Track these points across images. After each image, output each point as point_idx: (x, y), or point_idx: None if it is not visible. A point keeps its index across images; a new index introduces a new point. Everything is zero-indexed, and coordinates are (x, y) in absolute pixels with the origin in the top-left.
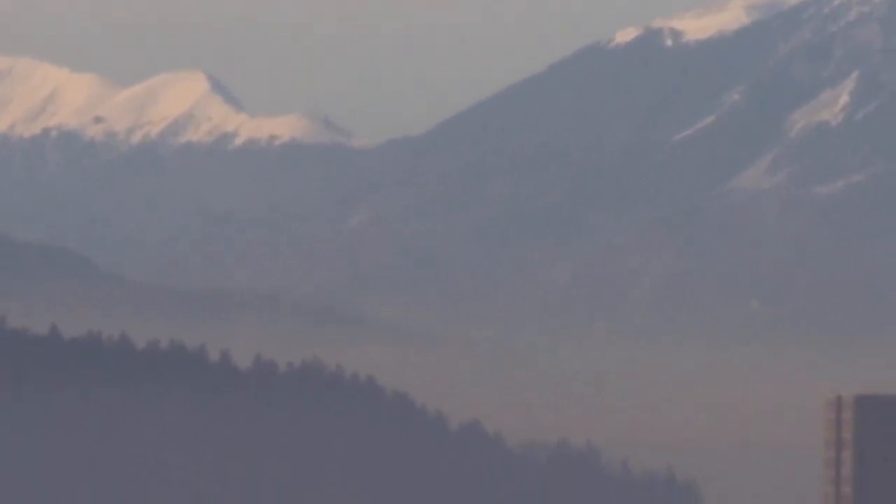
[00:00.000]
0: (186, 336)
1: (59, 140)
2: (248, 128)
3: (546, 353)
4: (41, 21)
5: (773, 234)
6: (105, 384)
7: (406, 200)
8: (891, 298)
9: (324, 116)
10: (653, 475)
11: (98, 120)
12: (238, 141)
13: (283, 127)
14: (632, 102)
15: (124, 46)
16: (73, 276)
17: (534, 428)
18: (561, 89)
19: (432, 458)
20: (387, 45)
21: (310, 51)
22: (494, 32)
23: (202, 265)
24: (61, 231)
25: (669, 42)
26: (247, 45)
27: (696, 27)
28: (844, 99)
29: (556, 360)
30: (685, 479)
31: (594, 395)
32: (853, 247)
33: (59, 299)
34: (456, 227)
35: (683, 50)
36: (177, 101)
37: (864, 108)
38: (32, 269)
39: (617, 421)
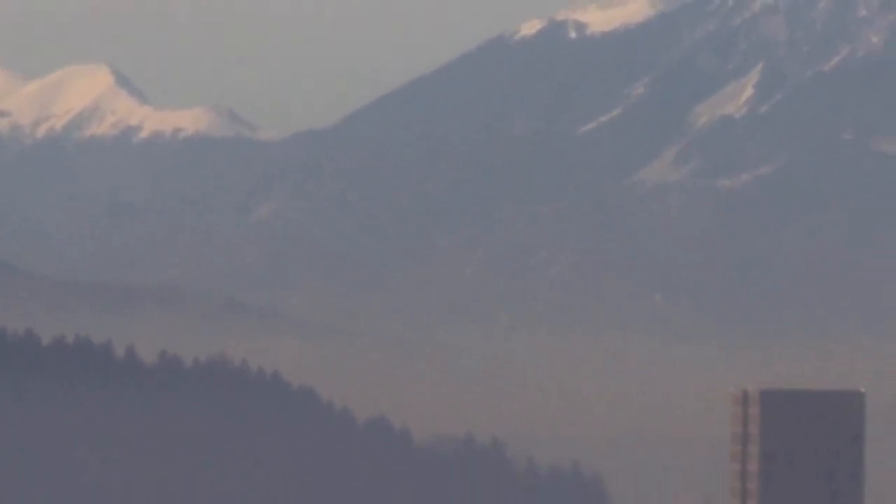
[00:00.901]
0: (92, 331)
1: None
2: (152, 121)
3: (453, 346)
4: None
5: (677, 227)
6: (9, 379)
7: (312, 193)
8: (795, 292)
9: (229, 109)
10: (558, 470)
11: (3, 114)
12: (143, 134)
13: (188, 120)
14: (537, 95)
15: (29, 39)
16: None
17: (440, 423)
18: (466, 81)
19: (339, 454)
20: (292, 37)
21: (215, 44)
22: (400, 25)
23: (108, 259)
24: None
25: (574, 34)
26: (151, 39)
27: (600, 19)
28: (749, 91)
29: (463, 354)
30: (591, 474)
31: (500, 389)
32: (757, 240)
33: None
34: (362, 221)
35: (588, 42)
36: (82, 94)
37: (769, 100)
38: None
39: (523, 415)
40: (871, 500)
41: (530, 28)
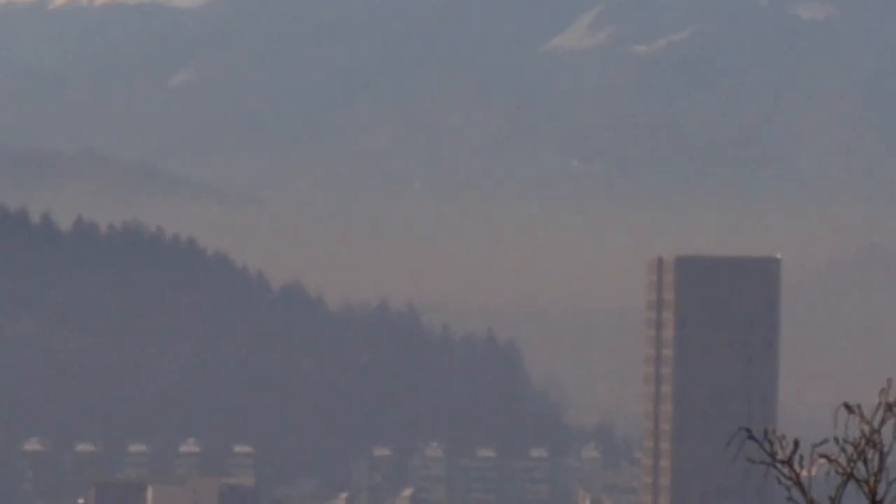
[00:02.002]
0: (8, 198)
1: None
2: None
3: (368, 214)
4: None
5: (593, 93)
6: None
7: (230, 60)
8: (711, 158)
9: None
10: (473, 337)
11: None
12: (59, 0)
13: None
14: None
15: None
16: None
17: (355, 289)
18: None
19: (253, 319)
20: None
21: None
22: None
23: (24, 125)
24: None
25: None
26: None
27: None
28: None
29: (379, 221)
30: (505, 341)
31: (415, 257)
32: (674, 106)
33: None
34: (279, 88)
35: None
36: None
37: None
38: None
39: (438, 283)
40: (785, 365)
41: None
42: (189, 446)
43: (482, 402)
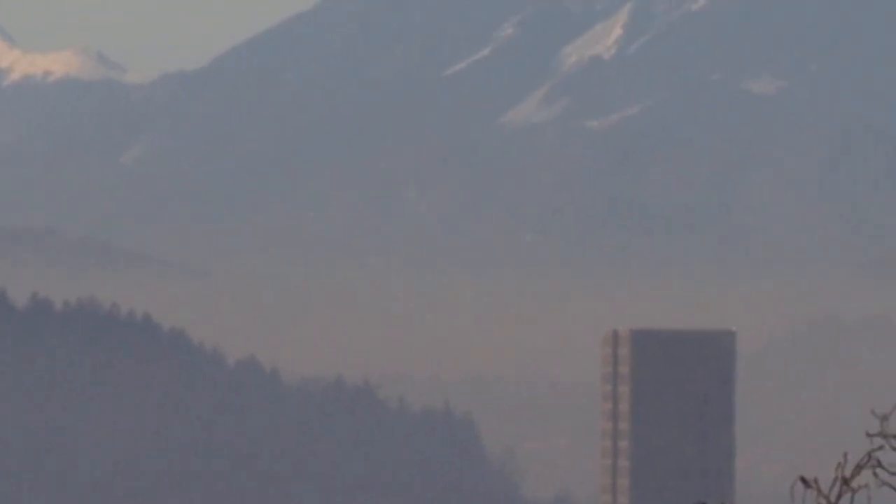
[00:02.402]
0: None
1: None
2: (21, 63)
3: (323, 287)
4: None
5: (547, 167)
6: None
7: (181, 135)
8: (665, 233)
9: (97, 52)
10: (430, 410)
11: None
12: (13, 77)
13: (57, 63)
14: (403, 35)
15: None
16: None
17: (311, 363)
18: (334, 23)
19: (209, 395)
20: None
21: None
22: None
23: None
24: None
25: None
26: None
27: None
28: (617, 32)
29: (333, 295)
30: (462, 414)
31: (371, 329)
32: (627, 181)
33: None
34: (232, 163)
35: None
36: None
37: (637, 41)
38: None
39: (394, 356)
40: (741, 439)
41: None
42: None
43: (439, 474)
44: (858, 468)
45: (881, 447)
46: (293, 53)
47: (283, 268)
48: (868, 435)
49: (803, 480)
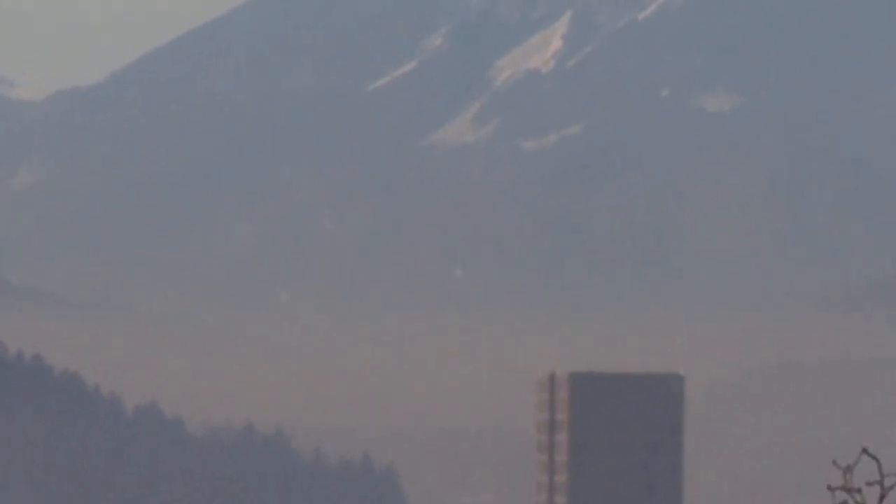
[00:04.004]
0: None
1: None
2: None
3: (230, 326)
4: None
5: (478, 192)
6: None
7: (75, 158)
8: (608, 264)
9: None
10: (348, 462)
11: None
12: None
13: None
14: (321, 47)
15: None
16: None
17: (217, 410)
18: (242, 32)
19: (107, 443)
20: None
21: None
22: None
23: None
24: None
25: None
26: None
27: None
28: (556, 43)
29: (241, 334)
30: (383, 466)
31: (282, 374)
32: (567, 207)
33: None
34: (130, 187)
35: None
36: None
37: (578, 53)
38: None
39: (308, 403)
40: (690, 492)
41: None
42: None
43: None
44: None
45: (844, 502)
46: (198, 67)
47: (186, 304)
48: (830, 489)
49: None
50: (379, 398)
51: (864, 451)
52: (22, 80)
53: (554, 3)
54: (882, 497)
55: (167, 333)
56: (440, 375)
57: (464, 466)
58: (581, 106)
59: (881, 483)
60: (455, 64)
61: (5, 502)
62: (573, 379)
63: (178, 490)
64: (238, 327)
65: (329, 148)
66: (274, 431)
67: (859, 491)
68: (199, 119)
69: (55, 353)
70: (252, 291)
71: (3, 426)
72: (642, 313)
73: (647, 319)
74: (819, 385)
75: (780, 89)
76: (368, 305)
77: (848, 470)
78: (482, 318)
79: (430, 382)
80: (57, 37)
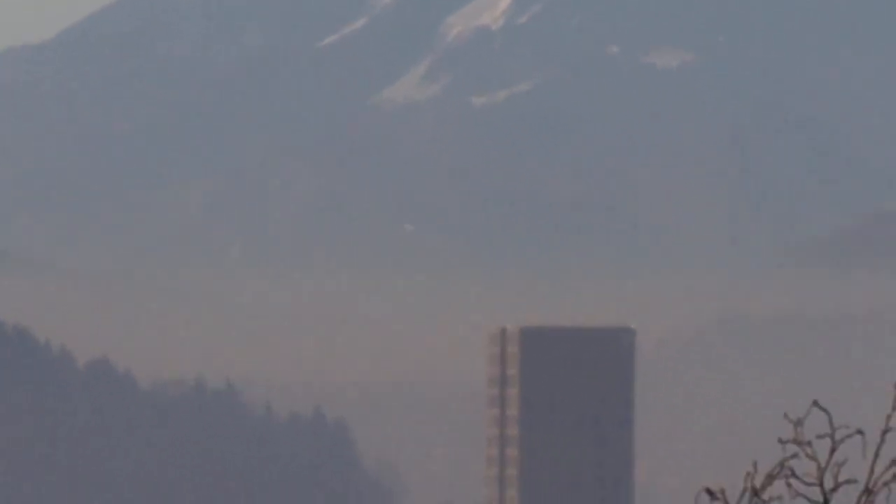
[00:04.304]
0: None
1: None
2: None
3: (179, 282)
4: None
5: (428, 150)
6: None
7: (24, 116)
8: (558, 221)
9: None
10: (299, 416)
11: None
12: None
13: None
14: (270, 4)
15: None
16: None
17: (168, 365)
18: None
19: (58, 398)
20: None
21: None
22: None
23: None
24: None
25: None
26: None
27: None
28: (506, 1)
29: (191, 290)
30: (335, 420)
31: (232, 329)
32: (517, 164)
33: None
34: (80, 145)
35: None
36: None
37: (528, 9)
38: None
39: (258, 358)
40: (641, 446)
41: None
42: None
43: (310, 487)
44: (770, 478)
45: (795, 455)
46: (148, 25)
47: (136, 260)
48: (781, 442)
49: (709, 492)
50: (330, 353)
51: (815, 403)
52: None
53: None
54: (833, 450)
55: (118, 290)
56: (392, 330)
57: (416, 420)
58: (531, 63)
59: (832, 436)
60: (405, 21)
61: None
62: (524, 333)
63: (129, 445)
64: (189, 284)
65: (279, 105)
66: (224, 386)
67: (810, 444)
68: (150, 77)
69: (6, 309)
70: (203, 249)
71: None
72: (593, 268)
73: (599, 274)
74: (769, 339)
75: (730, 45)
76: (319, 261)
77: (799, 423)
78: (433, 274)
79: (381, 337)
80: None
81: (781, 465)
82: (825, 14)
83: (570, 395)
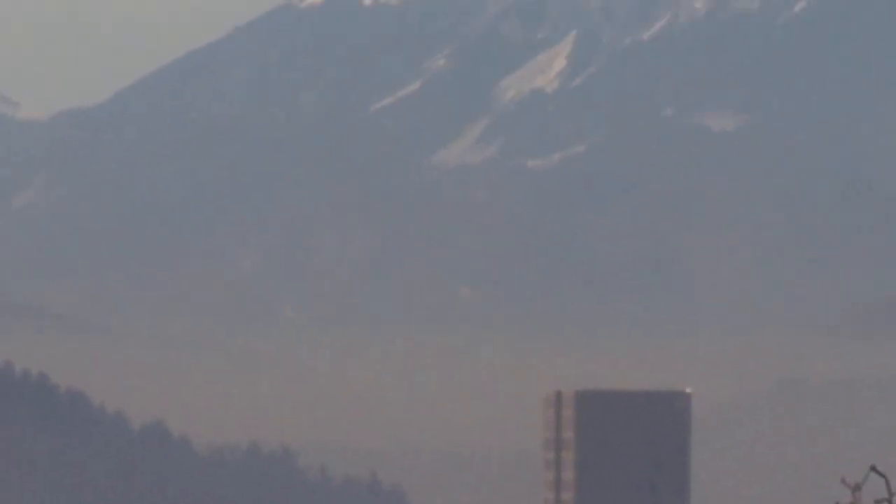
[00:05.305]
0: None
1: None
2: None
3: (235, 345)
4: None
5: (483, 212)
6: None
7: (79, 177)
8: (613, 284)
9: None
10: (355, 481)
11: None
12: None
13: None
14: (326, 67)
15: None
16: None
17: (222, 429)
18: (247, 53)
19: (113, 462)
20: (56, 10)
21: None
22: None
23: None
24: None
25: (367, 0)
26: None
27: None
28: (560, 63)
29: (246, 353)
30: (390, 485)
31: (288, 393)
32: (571, 226)
33: None
34: (135, 207)
35: (383, 9)
36: None
37: (582, 72)
38: None
39: (314, 421)
40: None
41: None
42: None
43: None
44: None
45: None
46: (202, 87)
47: (191, 323)
48: None
49: (874, 469)
50: (386, 417)
51: (873, 468)
52: (26, 101)
53: (558, 22)
54: None
55: (172, 353)
56: (446, 394)
57: (471, 485)
58: (585, 125)
59: (889, 500)
60: (459, 84)
61: None
62: (579, 397)
63: None
64: (244, 347)
65: (333, 168)
66: (279, 450)
67: None
68: (204, 139)
69: (60, 372)
70: (258, 311)
71: (9, 445)
72: (649, 332)
73: (654, 338)
74: (825, 404)
75: (784, 108)
76: (375, 325)
77: (857, 488)
78: (488, 337)
79: (436, 401)
80: (61, 57)
81: None
82: (880, 76)
83: (626, 459)
